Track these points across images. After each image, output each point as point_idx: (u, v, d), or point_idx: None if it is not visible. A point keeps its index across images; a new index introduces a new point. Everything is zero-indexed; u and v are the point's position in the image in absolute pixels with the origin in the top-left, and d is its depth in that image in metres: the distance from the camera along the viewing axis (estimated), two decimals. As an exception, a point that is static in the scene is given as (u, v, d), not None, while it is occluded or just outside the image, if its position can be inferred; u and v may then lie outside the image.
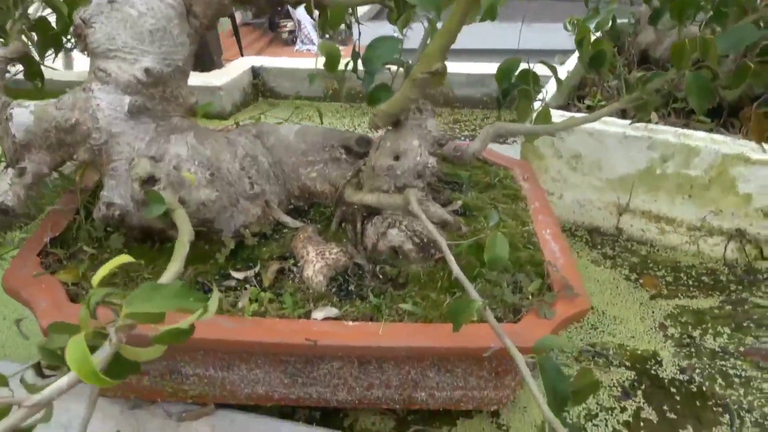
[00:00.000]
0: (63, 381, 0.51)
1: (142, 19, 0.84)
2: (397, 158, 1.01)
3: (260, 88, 2.73)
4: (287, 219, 1.10)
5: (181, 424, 1.04)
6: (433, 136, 1.04)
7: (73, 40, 1.07)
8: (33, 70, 1.16)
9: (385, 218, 1.02)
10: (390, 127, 1.04)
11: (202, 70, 2.98)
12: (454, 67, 2.52)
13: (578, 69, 1.90)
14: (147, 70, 0.85)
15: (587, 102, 1.76)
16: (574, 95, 1.85)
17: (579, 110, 1.73)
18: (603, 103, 1.71)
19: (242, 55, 3.67)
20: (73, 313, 0.88)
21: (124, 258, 0.58)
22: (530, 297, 0.95)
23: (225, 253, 1.00)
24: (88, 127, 0.89)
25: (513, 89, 1.17)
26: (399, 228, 1.01)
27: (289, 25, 5.55)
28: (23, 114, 0.88)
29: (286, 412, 1.10)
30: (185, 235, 0.77)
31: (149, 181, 0.89)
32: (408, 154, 1.01)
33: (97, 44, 0.84)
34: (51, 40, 1.09)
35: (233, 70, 2.61)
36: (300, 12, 5.07)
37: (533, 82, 1.21)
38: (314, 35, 5.10)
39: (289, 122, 1.35)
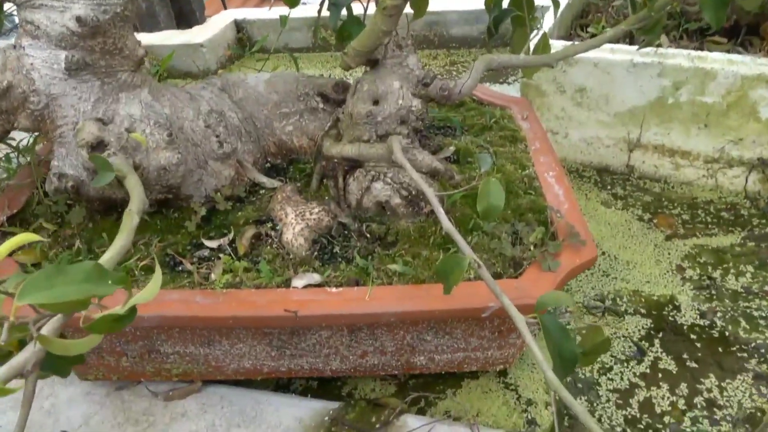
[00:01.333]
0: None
1: (66, -42, 0.72)
2: (376, 103, 0.90)
3: (246, 43, 2.58)
4: (263, 179, 1.00)
5: (168, 403, 0.98)
6: (416, 76, 0.93)
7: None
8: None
9: (368, 171, 0.92)
10: (367, 68, 0.93)
11: (186, 28, 2.84)
12: (446, 4, 2.36)
13: (581, -6, 1.74)
14: (79, 19, 0.74)
15: (591, 30, 1.62)
16: (576, 24, 1.70)
17: (582, 39, 1.59)
18: (608, 30, 1.56)
19: (225, 8, 3.50)
20: (31, 297, 0.81)
21: (28, 237, 0.49)
22: (532, 248, 0.86)
23: (195, 221, 0.91)
24: (23, 90, 0.79)
25: (505, 17, 1.05)
26: (384, 181, 0.91)
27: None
28: (-49, 80, 0.78)
29: (282, 383, 1.04)
30: (135, 203, 0.68)
31: (98, 146, 0.80)
32: (388, 97, 0.90)
33: (19, -8, 0.74)
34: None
35: (215, 26, 2.46)
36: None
37: (528, 7, 1.08)
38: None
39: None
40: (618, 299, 1.15)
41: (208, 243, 0.89)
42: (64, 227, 0.94)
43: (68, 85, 0.80)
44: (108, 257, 0.58)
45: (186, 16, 3.08)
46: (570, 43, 1.40)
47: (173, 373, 0.95)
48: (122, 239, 0.61)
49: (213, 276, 0.83)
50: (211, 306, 0.78)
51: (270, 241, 0.90)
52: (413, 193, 0.91)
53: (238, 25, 2.55)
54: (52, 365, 0.54)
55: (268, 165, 1.05)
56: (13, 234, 0.92)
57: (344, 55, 0.85)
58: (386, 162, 0.91)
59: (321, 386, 1.03)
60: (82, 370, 0.96)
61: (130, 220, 0.64)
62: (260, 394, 0.97)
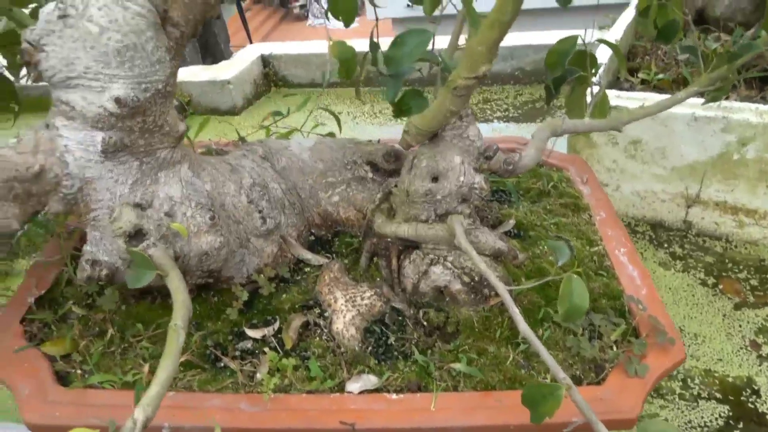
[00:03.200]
0: None
1: (104, 36, 0.66)
2: (435, 179, 0.82)
3: (272, 78, 2.54)
4: (308, 255, 0.92)
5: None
6: (477, 147, 0.85)
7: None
8: (7, 90, 1.00)
9: (426, 254, 0.84)
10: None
11: (212, 62, 2.81)
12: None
13: (628, 35, 1.66)
14: (118, 100, 0.68)
15: (641, 75, 1.53)
16: (625, 67, 1.62)
17: (632, 86, 1.51)
18: (661, 77, 1.48)
19: (251, 42, 3.48)
20: (60, 401, 0.73)
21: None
22: (613, 347, 0.77)
23: (237, 307, 0.84)
24: (56, 174, 0.72)
25: (568, 76, 0.97)
26: (444, 265, 0.83)
27: (301, -1, 5.35)
28: (-20, 162, 0.72)
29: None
30: (180, 314, 0.60)
31: (136, 235, 0.73)
32: (449, 174, 0.82)
33: (53, 72, 0.67)
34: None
35: (242, 61, 2.42)
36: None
37: (591, 65, 1.00)
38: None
39: (302, 130, 1.16)
40: (689, 380, 1.05)
41: (251, 333, 0.82)
42: (94, 310, 0.87)
43: (104, 168, 0.73)
44: (153, 393, 0.50)
45: (211, 48, 3.05)
46: (625, 93, 1.33)
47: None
48: (168, 368, 0.53)
49: (258, 375, 0.75)
50: (259, 416, 0.70)
51: (319, 331, 0.81)
52: (476, 279, 0.82)
53: (265, 60, 2.50)
54: None
55: (312, 237, 0.97)
56: (46, 325, 0.85)
57: (405, 134, 0.77)
58: (446, 244, 0.82)
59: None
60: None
61: (176, 338, 0.57)
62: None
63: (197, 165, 0.84)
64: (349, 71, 0.76)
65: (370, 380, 0.74)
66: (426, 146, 0.85)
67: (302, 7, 5.44)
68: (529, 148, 0.87)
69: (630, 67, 1.62)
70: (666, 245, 1.38)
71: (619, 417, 0.68)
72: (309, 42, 2.61)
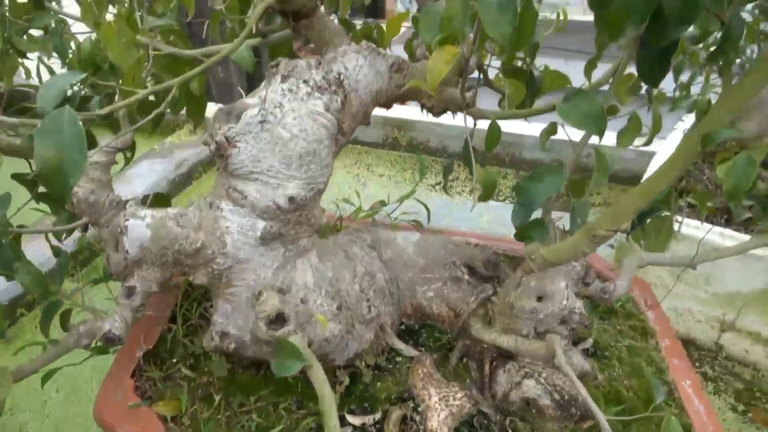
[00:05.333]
0: None
1: (293, 142, 0.73)
2: (540, 299, 0.90)
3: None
4: (401, 346, 0.98)
5: None
6: (578, 272, 0.92)
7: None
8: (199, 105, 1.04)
9: (522, 366, 0.90)
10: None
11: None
12: (525, 128, 2.41)
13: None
14: (291, 198, 0.74)
15: (689, 199, 1.64)
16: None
17: (681, 210, 1.61)
18: (710, 205, 1.59)
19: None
20: (175, 464, 0.77)
21: None
22: (691, 484, 0.83)
23: (340, 391, 0.88)
24: (213, 251, 0.78)
25: (654, 215, 1.06)
26: (537, 380, 0.89)
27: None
28: (139, 228, 0.77)
29: None
30: (328, 413, 0.65)
31: (276, 319, 0.78)
32: (554, 296, 0.89)
33: (240, 165, 0.73)
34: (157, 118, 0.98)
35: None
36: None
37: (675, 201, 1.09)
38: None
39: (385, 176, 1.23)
40: None
41: (351, 419, 0.86)
42: (198, 372, 0.91)
43: (257, 252, 0.79)
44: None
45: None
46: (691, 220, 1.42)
47: None
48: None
49: (363, 466, 0.80)
50: None
51: (414, 427, 0.86)
52: (566, 397, 0.89)
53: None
54: None
55: (402, 326, 1.03)
56: (154, 383, 0.89)
57: (531, 261, 0.84)
58: (543, 361, 0.89)
59: None
60: None
61: (338, 440, 0.61)
62: None
63: (321, 251, 0.90)
64: (489, 195, 0.83)
65: (469, 486, 0.79)
66: (534, 266, 0.92)
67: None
68: (621, 278, 0.95)
69: (681, 189, 1.73)
70: (698, 364, 1.46)
71: None
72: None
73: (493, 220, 2.14)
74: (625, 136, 0.93)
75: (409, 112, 2.55)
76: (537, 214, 0.92)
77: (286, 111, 0.72)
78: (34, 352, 0.80)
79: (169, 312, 0.98)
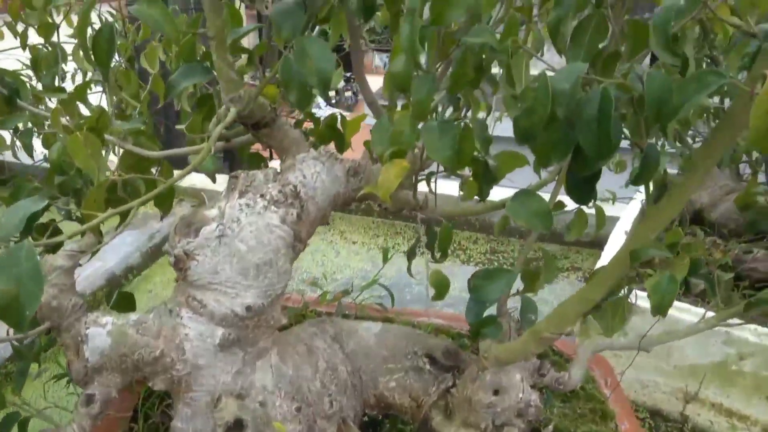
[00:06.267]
0: None
1: (250, 254, 0.76)
2: (496, 392, 0.92)
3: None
4: (364, 439, 0.99)
5: None
6: (533, 364, 0.95)
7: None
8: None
9: (481, 460, 0.92)
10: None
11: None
12: (494, 194, 2.47)
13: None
14: (249, 307, 0.77)
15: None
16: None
17: (638, 278, 1.66)
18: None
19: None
20: None
21: None
22: None
23: (300, 492, 0.89)
24: (172, 359, 0.79)
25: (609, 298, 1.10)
26: (496, 474, 0.91)
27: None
28: (100, 336, 0.79)
29: None
30: None
31: (236, 425, 0.79)
32: (510, 390, 0.91)
33: (198, 277, 0.76)
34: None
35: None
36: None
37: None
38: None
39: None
40: None
41: None
42: (159, 474, 0.90)
43: (216, 358, 0.81)
44: None
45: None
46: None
47: None
48: None
49: None
50: None
51: None
52: (525, 491, 0.90)
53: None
54: None
55: (365, 418, 1.04)
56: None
57: (484, 359, 0.87)
58: (501, 455, 0.90)
59: None
60: None
61: None
62: None
63: (282, 348, 0.92)
64: (441, 294, 0.87)
65: None
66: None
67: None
68: (575, 366, 0.98)
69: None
70: (664, 436, 1.48)
71: None
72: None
73: (463, 287, 2.17)
74: (573, 230, 0.98)
75: (382, 179, 2.61)
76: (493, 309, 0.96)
77: (243, 225, 0.76)
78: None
79: (130, 411, 0.98)
